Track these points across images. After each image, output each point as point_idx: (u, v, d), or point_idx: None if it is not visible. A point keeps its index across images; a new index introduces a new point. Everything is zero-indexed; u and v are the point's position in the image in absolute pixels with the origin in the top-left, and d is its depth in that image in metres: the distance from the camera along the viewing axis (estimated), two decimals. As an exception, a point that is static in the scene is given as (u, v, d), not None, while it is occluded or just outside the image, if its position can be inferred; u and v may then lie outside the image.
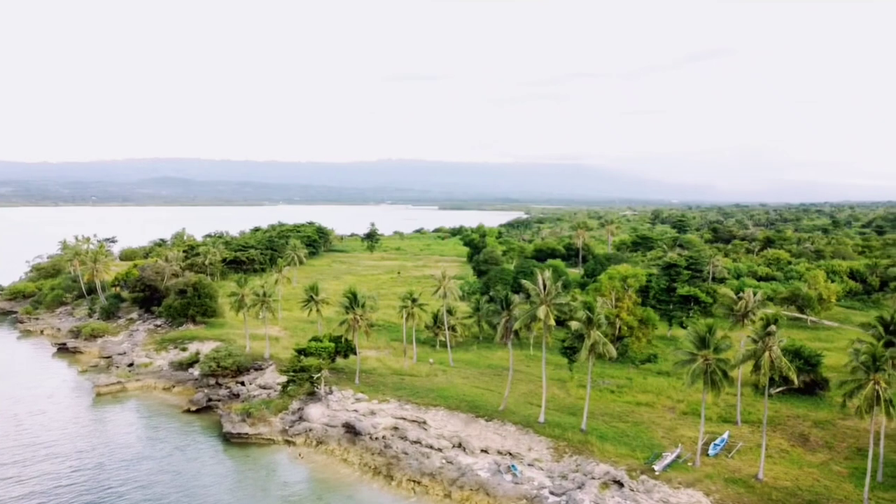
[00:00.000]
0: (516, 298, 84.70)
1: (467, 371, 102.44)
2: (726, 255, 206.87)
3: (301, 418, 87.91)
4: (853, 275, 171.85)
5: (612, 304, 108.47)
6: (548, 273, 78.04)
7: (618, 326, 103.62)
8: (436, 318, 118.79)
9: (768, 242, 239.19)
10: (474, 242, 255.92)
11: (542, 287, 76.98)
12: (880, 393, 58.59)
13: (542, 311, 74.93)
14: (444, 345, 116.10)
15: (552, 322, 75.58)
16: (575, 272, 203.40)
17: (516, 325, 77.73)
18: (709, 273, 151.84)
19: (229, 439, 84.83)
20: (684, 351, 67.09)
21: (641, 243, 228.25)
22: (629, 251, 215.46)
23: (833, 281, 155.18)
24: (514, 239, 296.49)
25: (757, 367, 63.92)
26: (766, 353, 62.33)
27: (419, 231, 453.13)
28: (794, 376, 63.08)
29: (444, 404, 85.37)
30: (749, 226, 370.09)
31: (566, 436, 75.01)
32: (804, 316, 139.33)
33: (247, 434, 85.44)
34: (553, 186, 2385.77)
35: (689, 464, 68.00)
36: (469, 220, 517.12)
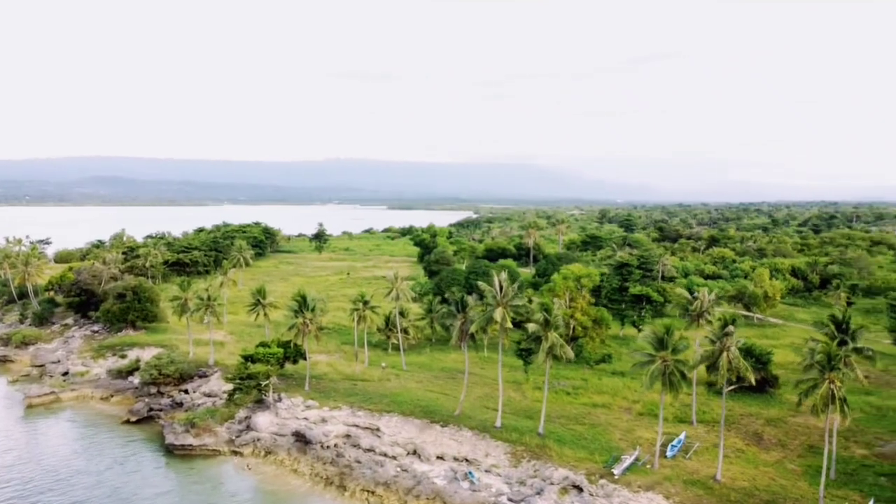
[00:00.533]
0: (472, 300, 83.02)
1: (421, 375, 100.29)
2: (673, 254, 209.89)
3: (248, 427, 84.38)
4: (795, 272, 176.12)
5: (566, 304, 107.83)
6: (504, 274, 76.46)
7: (572, 327, 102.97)
8: (388, 320, 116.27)
9: (713, 241, 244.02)
10: (425, 242, 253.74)
11: (498, 289, 75.38)
12: (835, 392, 58.81)
13: (498, 314, 73.31)
14: (396, 348, 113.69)
15: (509, 324, 74.05)
16: (526, 272, 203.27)
17: (472, 328, 75.94)
18: (659, 272, 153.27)
19: (172, 451, 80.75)
20: (642, 352, 66.37)
21: (591, 242, 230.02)
22: (579, 250, 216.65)
23: (776, 279, 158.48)
24: (464, 239, 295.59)
25: (714, 368, 63.58)
26: (724, 354, 62.02)
27: (368, 231, 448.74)
28: (751, 377, 62.99)
29: (397, 410, 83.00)
30: (693, 225, 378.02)
31: (524, 440, 73.58)
32: (751, 314, 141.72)
33: (191, 445, 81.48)
34: (501, 186, 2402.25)
35: (648, 466, 67.35)
36: (418, 219, 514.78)
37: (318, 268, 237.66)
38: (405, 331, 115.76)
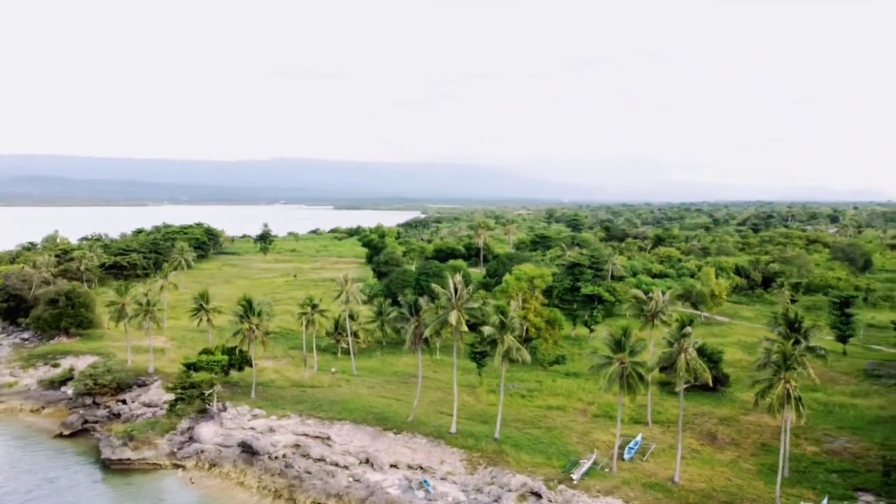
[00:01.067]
0: (424, 303, 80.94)
1: (372, 380, 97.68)
2: (621, 253, 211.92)
3: (191, 439, 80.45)
4: (738, 271, 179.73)
5: (519, 305, 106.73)
6: (459, 277, 74.60)
7: (525, 328, 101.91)
8: (337, 323, 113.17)
9: (659, 241, 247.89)
10: (373, 243, 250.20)
11: (453, 291, 73.47)
12: (790, 392, 58.86)
13: (453, 317, 71.42)
14: (346, 352, 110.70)
15: (464, 328, 72.26)
16: (476, 272, 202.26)
17: (427, 332, 73.87)
18: (609, 272, 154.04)
19: (109, 466, 76.31)
20: (600, 354, 65.39)
21: (540, 242, 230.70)
22: (529, 250, 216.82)
23: (721, 277, 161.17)
24: (413, 239, 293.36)
25: (672, 369, 63.03)
26: (682, 356, 61.50)
27: (315, 232, 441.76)
28: (708, 377, 62.69)
29: (349, 417, 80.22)
30: (638, 224, 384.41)
31: (480, 446, 71.86)
32: (698, 312, 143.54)
33: (129, 459, 77.15)
34: (449, 186, 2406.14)
35: (607, 470, 66.43)
36: (366, 219, 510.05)
37: (263, 270, 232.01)
38: (355, 334, 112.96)
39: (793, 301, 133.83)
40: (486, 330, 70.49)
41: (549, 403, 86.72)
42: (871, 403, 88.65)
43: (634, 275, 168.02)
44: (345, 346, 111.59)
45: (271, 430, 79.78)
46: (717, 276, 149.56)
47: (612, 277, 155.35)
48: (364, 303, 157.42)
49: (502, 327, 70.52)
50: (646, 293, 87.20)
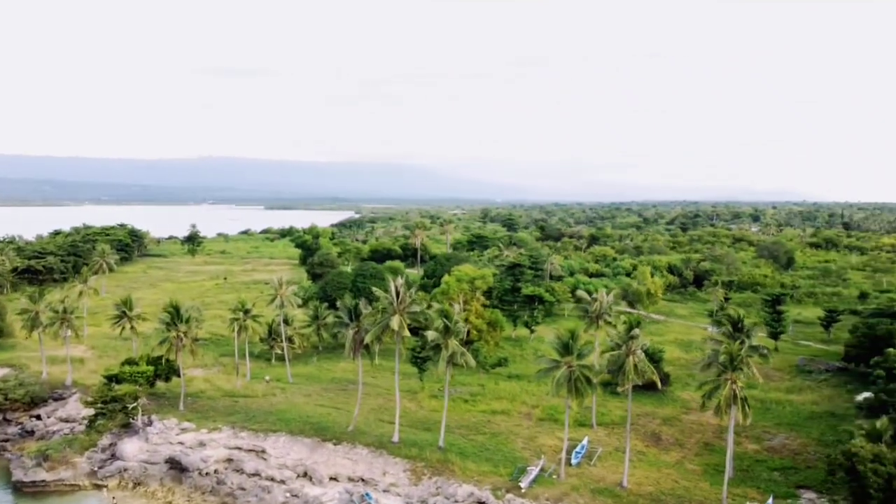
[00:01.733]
0: (363, 305, 77.87)
1: (309, 387, 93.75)
2: (557, 253, 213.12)
3: (114, 456, 75.05)
4: (671, 269, 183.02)
5: (460, 307, 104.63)
6: (400, 280, 71.81)
7: (466, 330, 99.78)
8: (271, 329, 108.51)
9: (593, 240, 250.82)
10: (307, 244, 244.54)
11: (394, 295, 70.62)
12: (736, 392, 58.58)
13: (395, 322, 68.60)
14: (281, 358, 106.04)
15: (406, 333, 69.58)
16: (414, 273, 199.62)
17: (368, 338, 70.76)
18: (547, 271, 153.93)
19: (21, 489, 70.53)
20: (547, 358, 63.81)
21: (477, 242, 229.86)
22: (466, 250, 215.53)
23: (655, 276, 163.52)
24: (348, 240, 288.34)
25: (618, 372, 62.01)
26: (630, 358, 60.48)
27: (246, 232, 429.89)
28: (657, 380, 61.91)
29: (285, 429, 76.28)
30: (572, 224, 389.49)
31: (424, 455, 69.24)
32: (635, 311, 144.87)
33: (44, 481, 71.35)
34: (382, 185, 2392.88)
35: (555, 476, 64.90)
36: (298, 220, 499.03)
37: (191, 272, 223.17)
38: (290, 340, 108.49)
39: (726, 299, 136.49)
40: (430, 335, 67.97)
41: (493, 408, 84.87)
42: (804, 399, 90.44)
43: (572, 274, 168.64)
44: (279, 352, 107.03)
45: (201, 444, 75.11)
46: (652, 275, 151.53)
47: (551, 277, 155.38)
48: (299, 306, 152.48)
49: (447, 332, 68.14)
50: (589, 294, 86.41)
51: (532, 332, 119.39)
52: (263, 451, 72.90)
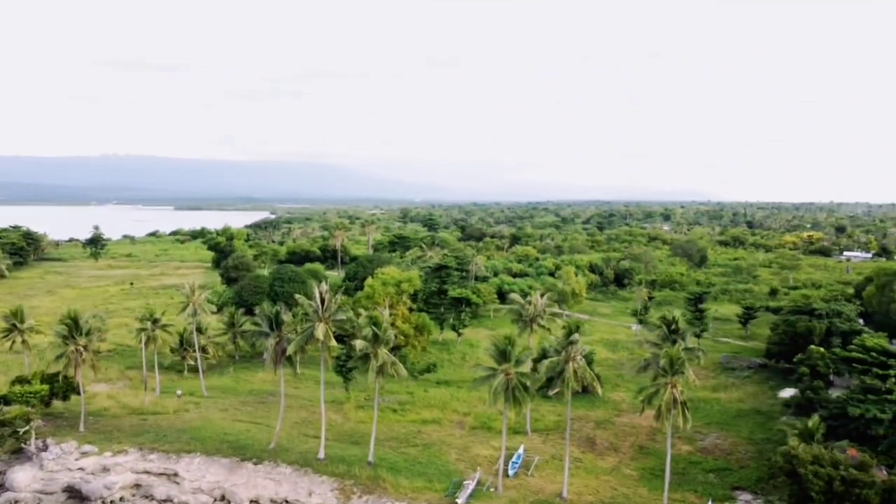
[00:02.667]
0: (287, 316, 72.89)
1: (226, 401, 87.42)
2: (479, 253, 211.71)
3: (2, 487, 67.06)
4: (592, 268, 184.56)
5: (386, 311, 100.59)
6: (325, 285, 67.12)
7: (393, 336, 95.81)
8: (182, 338, 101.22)
9: (515, 240, 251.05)
10: (220, 246, 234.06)
11: (319, 302, 65.92)
12: (677, 396, 57.23)
13: (320, 331, 63.93)
14: (194, 370, 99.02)
15: (333, 343, 65.05)
16: (334, 275, 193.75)
17: (290, 349, 65.71)
18: (472, 272, 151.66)
19: None
20: (484, 366, 60.72)
21: (398, 243, 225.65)
22: (387, 251, 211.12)
23: (578, 275, 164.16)
24: (264, 241, 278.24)
25: (558, 379, 59.65)
26: (570, 364, 58.18)
27: (154, 234, 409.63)
28: (598, 386, 59.89)
29: (200, 448, 70.17)
30: (491, 223, 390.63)
31: (353, 472, 64.81)
32: (560, 311, 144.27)
33: (-83, 521, 62.82)
34: (297, 185, 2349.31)
35: (492, 490, 61.85)
36: (211, 221, 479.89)
37: (94, 277, 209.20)
38: (204, 349, 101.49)
39: (650, 298, 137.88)
40: (359, 344, 63.67)
41: (423, 417, 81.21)
42: (731, 397, 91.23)
43: (496, 274, 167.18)
44: (192, 363, 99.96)
45: (105, 469, 68.12)
46: (575, 275, 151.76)
47: (476, 278, 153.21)
48: (213, 313, 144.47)
49: (376, 340, 64.05)
50: (524, 296, 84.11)
51: (459, 335, 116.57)
52: (176, 475, 66.77)
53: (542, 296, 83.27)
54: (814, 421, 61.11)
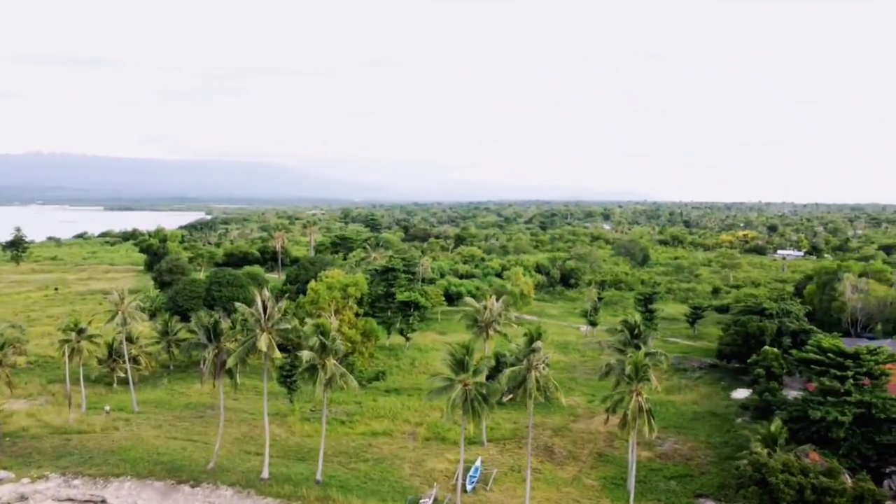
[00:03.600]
0: (226, 323, 67.84)
1: (159, 416, 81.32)
2: (424, 254, 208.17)
3: None
4: (539, 269, 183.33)
5: (332, 317, 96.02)
6: (267, 292, 62.38)
7: (342, 346, 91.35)
8: (111, 348, 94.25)
9: (459, 240, 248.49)
10: (153, 248, 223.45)
11: (261, 310, 61.15)
12: (642, 405, 55.00)
13: (263, 341, 59.23)
14: (124, 382, 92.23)
15: (277, 354, 60.37)
16: (275, 277, 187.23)
17: (230, 362, 60.77)
18: (419, 274, 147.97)
19: None
20: (441, 377, 57.14)
21: (341, 244, 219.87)
22: (329, 252, 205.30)
23: (525, 276, 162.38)
24: (200, 243, 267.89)
25: (519, 389, 56.61)
26: (532, 373, 55.19)
27: (82, 236, 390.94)
28: (561, 396, 57.14)
29: (130, 471, 64.35)
30: (434, 223, 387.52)
31: (300, 493, 60.26)
32: (514, 315, 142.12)
33: None
34: (234, 185, 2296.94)
35: (451, 508, 58.42)
36: (143, 222, 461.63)
37: (15, 283, 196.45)
38: (135, 360, 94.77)
39: (600, 299, 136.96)
40: (305, 355, 59.23)
41: (373, 429, 77.07)
42: (685, 399, 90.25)
43: (442, 276, 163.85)
44: (122, 374, 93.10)
45: (22, 497, 61.67)
46: (525, 275, 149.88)
47: (423, 280, 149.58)
48: (145, 320, 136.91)
49: (323, 350, 59.74)
50: (471, 294, 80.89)
51: (408, 339, 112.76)
52: (103, 502, 60.94)
53: (497, 299, 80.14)
54: (776, 425, 59.81)
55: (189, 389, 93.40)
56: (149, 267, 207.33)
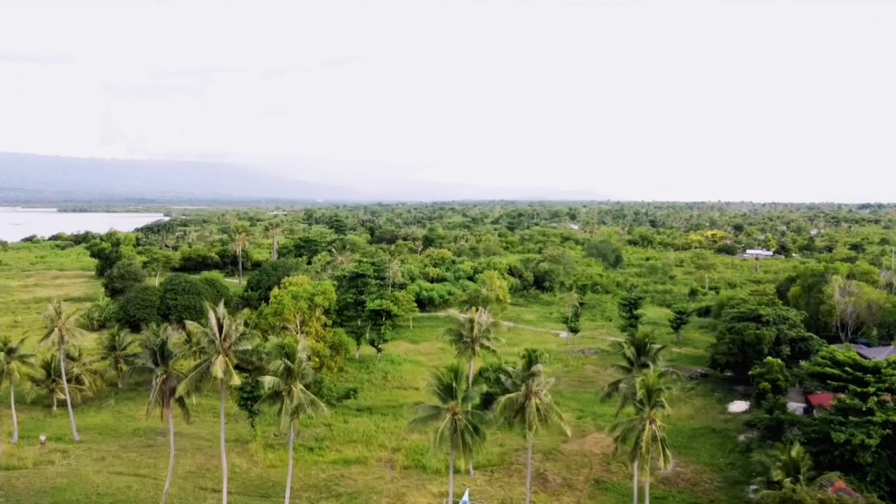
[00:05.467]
0: (174, 335, 59.41)
1: (102, 446, 72.23)
2: (392, 256, 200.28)
3: None
4: (511, 271, 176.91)
5: (297, 329, 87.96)
6: (222, 308, 54.18)
7: (311, 369, 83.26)
8: (50, 367, 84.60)
9: (428, 241, 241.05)
10: (105, 253, 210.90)
11: (216, 328, 52.98)
12: (657, 434, 48.43)
13: (219, 366, 51.13)
14: (65, 404, 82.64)
15: (235, 381, 52.31)
16: (235, 282, 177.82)
17: (181, 390, 52.54)
18: (389, 279, 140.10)
19: None
20: (425, 405, 49.82)
21: (305, 246, 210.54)
22: (293, 256, 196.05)
23: (499, 279, 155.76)
24: (156, 246, 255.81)
25: (516, 418, 49.62)
26: (532, 401, 48.19)
27: (30, 239, 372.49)
28: (566, 426, 50.28)
29: (65, 516, 55.76)
30: (400, 224, 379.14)
31: (263, 539, 52.47)
32: (501, 327, 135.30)
33: None
34: (193, 185, 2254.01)
35: (438, 555, 51.07)
36: (98, 223, 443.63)
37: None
38: (78, 380, 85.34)
39: (581, 304, 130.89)
40: (267, 381, 51.31)
41: (345, 456, 69.21)
42: (680, 413, 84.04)
43: (412, 280, 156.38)
44: (63, 396, 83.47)
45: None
46: (501, 278, 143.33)
47: (393, 285, 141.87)
48: (94, 330, 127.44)
49: (289, 375, 51.88)
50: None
51: (379, 350, 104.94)
52: (31, 555, 52.22)
53: (478, 308, 73.00)
54: (797, 451, 53.76)
55: (138, 412, 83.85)
56: (100, 272, 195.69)
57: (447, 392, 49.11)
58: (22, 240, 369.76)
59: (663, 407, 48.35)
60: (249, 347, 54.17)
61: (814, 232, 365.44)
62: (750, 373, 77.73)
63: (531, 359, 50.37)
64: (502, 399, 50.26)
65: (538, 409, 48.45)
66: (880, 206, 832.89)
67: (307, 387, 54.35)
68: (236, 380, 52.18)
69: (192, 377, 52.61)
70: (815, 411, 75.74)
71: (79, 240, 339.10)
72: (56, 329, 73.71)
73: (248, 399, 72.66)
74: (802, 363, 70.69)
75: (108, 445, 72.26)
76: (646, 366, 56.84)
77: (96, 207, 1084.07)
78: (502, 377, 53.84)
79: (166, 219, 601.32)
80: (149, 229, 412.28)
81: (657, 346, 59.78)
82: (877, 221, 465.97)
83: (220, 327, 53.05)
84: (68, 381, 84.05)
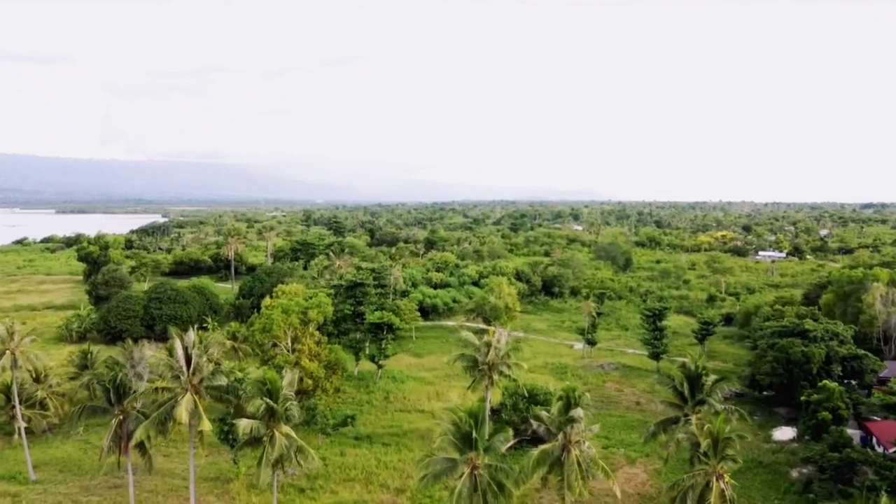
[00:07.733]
0: (161, 353, 50.22)
1: (62, 487, 62.74)
2: (393, 260, 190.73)
3: None
4: (518, 276, 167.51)
5: (288, 345, 78.65)
6: (192, 336, 44.85)
7: (296, 411, 73.78)
8: (8, 392, 75.23)
9: (430, 244, 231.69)
10: (93, 256, 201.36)
11: (183, 359, 43.65)
12: (725, 491, 39.09)
13: (184, 407, 41.84)
14: (30, 431, 73.30)
15: (206, 425, 43.00)
16: (227, 288, 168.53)
17: (139, 434, 43.26)
18: (391, 286, 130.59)
19: None
20: (441, 457, 40.47)
21: (302, 250, 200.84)
22: (290, 259, 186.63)
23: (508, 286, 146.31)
24: (145, 251, 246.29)
25: (550, 472, 40.28)
26: (572, 453, 38.84)
27: (20, 242, 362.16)
28: (613, 481, 40.87)
29: (3, 584, 46.44)
30: (400, 225, 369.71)
31: None
32: (492, 328, 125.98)
33: None
34: (192, 186, 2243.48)
35: None
36: (95, 225, 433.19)
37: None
38: (42, 404, 76.01)
39: (599, 314, 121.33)
40: (243, 425, 42.02)
41: (341, 499, 59.78)
42: (719, 442, 74.84)
43: (414, 286, 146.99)
44: (26, 424, 74.07)
45: None
46: (511, 284, 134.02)
47: (394, 292, 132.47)
48: (73, 342, 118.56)
49: (272, 417, 42.59)
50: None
51: (380, 367, 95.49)
52: None
53: (505, 333, 63.63)
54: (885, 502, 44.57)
55: (109, 441, 74.72)
56: (87, 278, 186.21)
57: (465, 442, 39.77)
58: (12, 242, 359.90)
59: (735, 462, 39.04)
60: (223, 383, 44.81)
61: (823, 232, 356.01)
62: (803, 398, 68.29)
63: (569, 401, 40.98)
64: (535, 451, 40.84)
65: (579, 465, 39.14)
66: (883, 205, 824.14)
67: (294, 428, 45.09)
68: (206, 424, 42.98)
69: (153, 419, 43.43)
70: (875, 442, 66.51)
71: (70, 242, 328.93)
72: (8, 352, 64.23)
73: (229, 431, 63.17)
74: (877, 393, 61.24)
75: (68, 486, 62.75)
76: (702, 402, 47.46)
77: (95, 208, 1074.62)
78: (534, 423, 44.32)
79: (164, 220, 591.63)
80: (143, 231, 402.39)
81: (712, 378, 50.38)
82: (884, 221, 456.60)
83: (189, 358, 43.72)
84: (31, 406, 75.07)
